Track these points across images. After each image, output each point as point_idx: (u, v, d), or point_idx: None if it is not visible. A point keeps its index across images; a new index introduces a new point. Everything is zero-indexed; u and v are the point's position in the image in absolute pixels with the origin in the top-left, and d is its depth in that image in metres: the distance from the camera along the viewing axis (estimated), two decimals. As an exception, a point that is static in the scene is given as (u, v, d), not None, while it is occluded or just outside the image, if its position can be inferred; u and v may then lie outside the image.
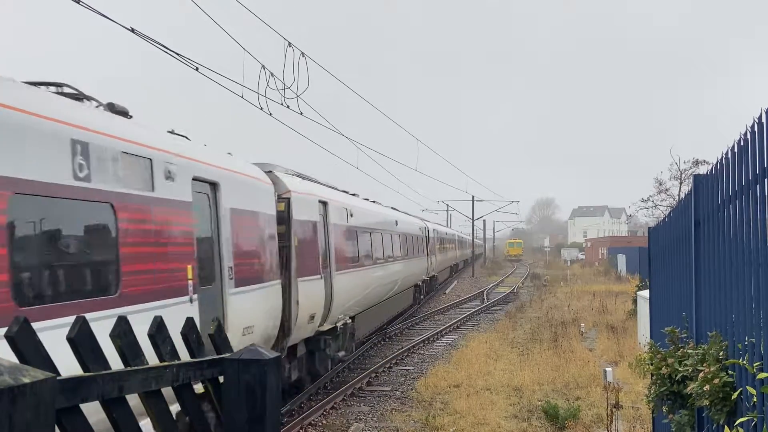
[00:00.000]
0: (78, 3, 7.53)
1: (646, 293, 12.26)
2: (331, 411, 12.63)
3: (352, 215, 16.02)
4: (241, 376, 2.88)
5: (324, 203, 13.71)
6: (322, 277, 12.93)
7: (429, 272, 32.56)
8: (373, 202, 21.68)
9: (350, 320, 15.60)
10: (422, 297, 31.67)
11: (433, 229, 36.19)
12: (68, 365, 2.15)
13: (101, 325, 2.73)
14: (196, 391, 2.89)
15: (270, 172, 11.47)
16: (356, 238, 16.54)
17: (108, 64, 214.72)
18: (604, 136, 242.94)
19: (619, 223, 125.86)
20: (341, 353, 14.97)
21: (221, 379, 2.98)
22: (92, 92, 7.15)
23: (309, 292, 12.14)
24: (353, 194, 18.45)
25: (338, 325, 14.50)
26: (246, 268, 9.40)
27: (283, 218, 11.47)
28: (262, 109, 11.70)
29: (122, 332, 2.44)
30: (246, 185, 9.82)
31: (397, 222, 23.21)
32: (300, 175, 13.38)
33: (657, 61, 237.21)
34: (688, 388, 4.20)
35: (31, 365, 1.81)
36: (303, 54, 11.76)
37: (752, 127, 3.39)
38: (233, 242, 8.90)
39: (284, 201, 11.55)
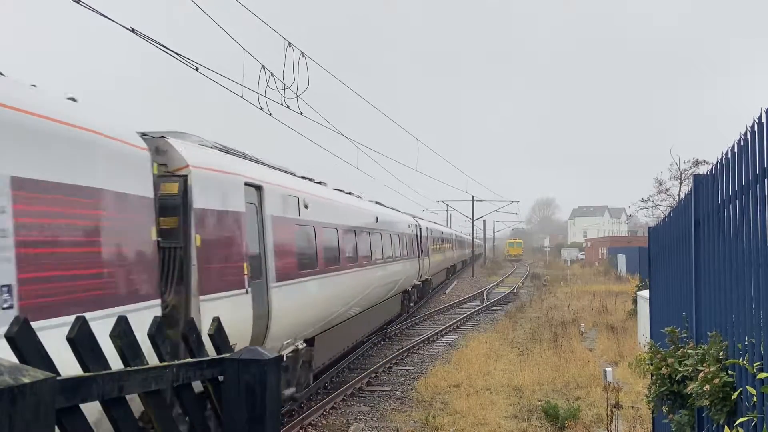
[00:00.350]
0: (78, 3, 7.53)
1: (646, 293, 12.26)
2: (331, 411, 12.63)
3: (307, 206, 12.03)
4: (241, 376, 2.88)
5: (257, 188, 9.85)
6: (248, 292, 9.06)
7: (421, 276, 28.73)
8: (349, 193, 17.70)
9: (304, 345, 11.89)
10: (412, 304, 28.08)
11: (426, 228, 31.97)
12: None
13: None
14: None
15: (162, 138, 7.78)
16: (314, 236, 12.45)
17: (109, 64, 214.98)
18: (604, 136, 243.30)
19: (619, 223, 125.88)
20: (289, 391, 11.16)
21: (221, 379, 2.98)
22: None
23: (223, 314, 7.13)
24: (319, 182, 14.52)
25: (284, 354, 10.81)
26: (55, 286, 5.39)
27: (176, 205, 7.65)
28: (262, 109, 11.71)
29: (122, 332, 2.44)
30: (67, 143, 5.75)
31: (377, 218, 19.32)
32: (225, 150, 9.80)
33: (657, 61, 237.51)
34: (688, 388, 4.20)
35: (31, 365, 1.81)
36: (303, 54, 11.76)
37: (752, 127, 3.39)
38: (19, 241, 4.99)
39: (179, 180, 7.70)
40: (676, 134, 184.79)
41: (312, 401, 13.20)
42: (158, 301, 6.97)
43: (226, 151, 9.87)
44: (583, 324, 22.06)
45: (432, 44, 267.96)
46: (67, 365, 2.24)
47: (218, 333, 3.12)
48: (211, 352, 3.07)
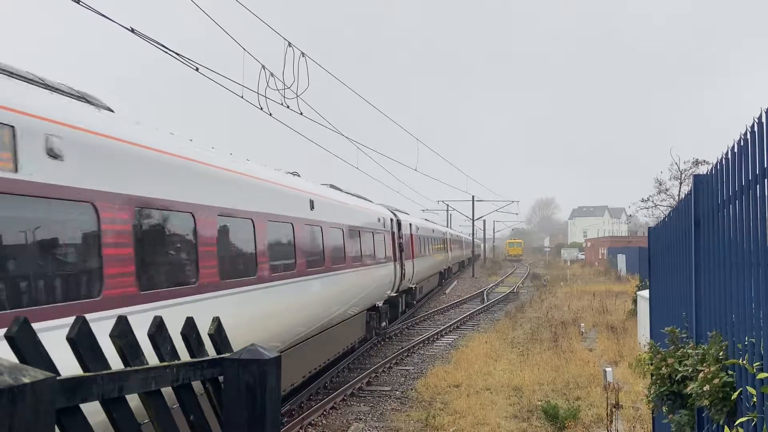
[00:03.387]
0: (78, 3, 7.52)
1: (646, 293, 12.26)
2: (331, 411, 12.63)
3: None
4: (241, 376, 2.88)
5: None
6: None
7: (399, 286, 22.28)
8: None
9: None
10: (383, 324, 20.51)
11: (410, 224, 24.48)
12: None
13: None
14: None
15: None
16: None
17: (108, 65, 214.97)
18: (604, 136, 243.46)
19: (619, 223, 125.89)
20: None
21: (221, 379, 2.98)
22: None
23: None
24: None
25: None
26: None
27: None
28: (262, 109, 11.70)
29: (122, 332, 2.44)
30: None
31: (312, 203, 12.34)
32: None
33: (657, 61, 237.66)
34: (688, 388, 4.20)
35: (31, 365, 1.81)
36: (303, 54, 11.76)
37: (752, 127, 3.39)
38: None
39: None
40: (676, 134, 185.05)
41: (312, 401, 13.20)
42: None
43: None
44: (583, 324, 22.05)
45: (432, 44, 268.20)
46: None
47: (218, 332, 3.12)
48: (211, 352, 3.07)
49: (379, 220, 19.07)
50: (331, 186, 16.35)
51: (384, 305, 19.93)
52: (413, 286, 26.20)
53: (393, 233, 21.24)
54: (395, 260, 21.15)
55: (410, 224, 25.62)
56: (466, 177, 53.32)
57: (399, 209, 26.22)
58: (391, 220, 21.38)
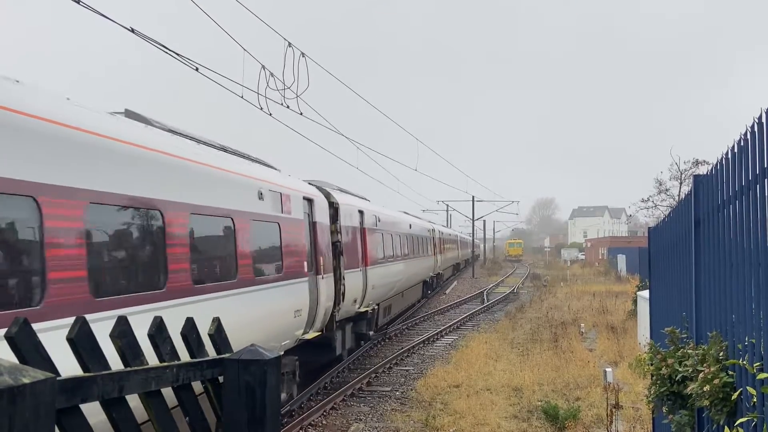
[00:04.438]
0: (78, 3, 7.52)
1: (646, 293, 12.26)
2: (331, 411, 12.63)
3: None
4: (241, 376, 2.88)
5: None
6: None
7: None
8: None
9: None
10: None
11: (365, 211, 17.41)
12: None
13: None
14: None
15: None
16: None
17: (108, 65, 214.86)
18: (604, 135, 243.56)
19: (619, 223, 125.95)
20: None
21: (221, 379, 2.98)
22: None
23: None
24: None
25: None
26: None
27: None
28: (262, 109, 11.70)
29: (122, 332, 2.44)
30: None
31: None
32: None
33: (657, 61, 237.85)
34: (688, 389, 4.19)
35: (31, 365, 1.81)
36: (303, 54, 11.76)
37: (752, 127, 3.39)
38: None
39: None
40: (676, 134, 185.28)
41: (312, 401, 13.20)
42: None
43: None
44: (583, 324, 22.05)
45: (432, 44, 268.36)
46: None
47: (218, 333, 3.12)
48: (211, 352, 3.07)
49: (260, 196, 9.92)
50: (127, 113, 7.99)
51: (290, 358, 11.70)
52: (369, 309, 17.13)
53: (315, 225, 12.75)
54: (321, 272, 12.79)
55: (361, 212, 16.76)
56: (466, 177, 53.32)
57: (346, 189, 17.35)
58: (310, 201, 12.63)
